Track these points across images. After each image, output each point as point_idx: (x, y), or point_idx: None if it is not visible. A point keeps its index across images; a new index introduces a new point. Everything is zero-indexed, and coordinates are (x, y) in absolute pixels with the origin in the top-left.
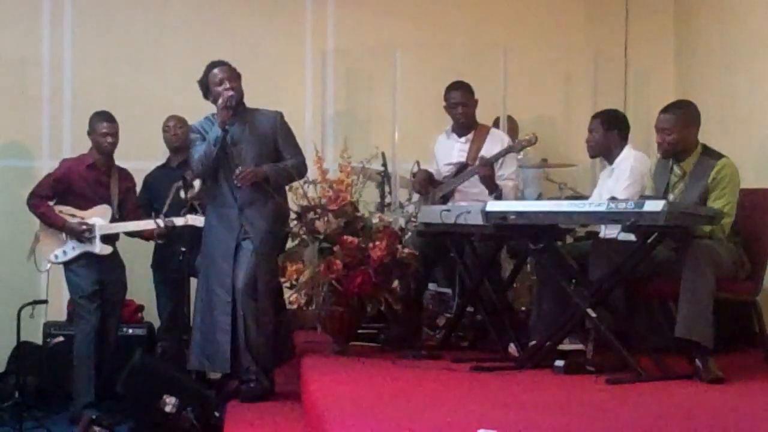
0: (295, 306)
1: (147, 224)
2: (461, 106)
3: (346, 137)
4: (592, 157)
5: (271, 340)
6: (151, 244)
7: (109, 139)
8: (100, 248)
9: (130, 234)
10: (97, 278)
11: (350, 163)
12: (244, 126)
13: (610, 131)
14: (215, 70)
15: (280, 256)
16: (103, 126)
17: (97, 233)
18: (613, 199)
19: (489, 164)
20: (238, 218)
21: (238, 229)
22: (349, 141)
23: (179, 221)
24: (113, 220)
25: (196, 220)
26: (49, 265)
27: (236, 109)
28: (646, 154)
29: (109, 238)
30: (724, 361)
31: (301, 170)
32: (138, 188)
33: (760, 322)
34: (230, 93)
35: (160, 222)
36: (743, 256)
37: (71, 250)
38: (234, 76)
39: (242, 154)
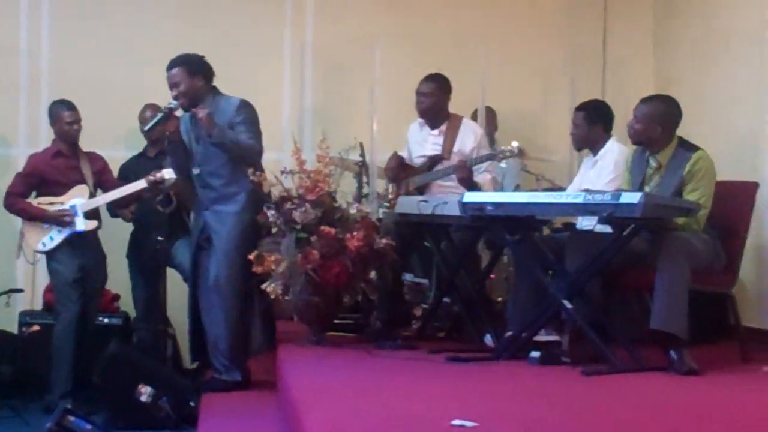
0: (272, 296)
1: (129, 188)
2: (424, 96)
3: (324, 128)
4: (578, 149)
5: (241, 334)
6: (128, 233)
7: (75, 127)
8: (85, 225)
9: (117, 205)
10: (80, 265)
11: (328, 154)
12: (197, 125)
13: (594, 125)
14: (167, 75)
15: (257, 246)
16: (67, 115)
17: (80, 211)
18: (589, 191)
19: (466, 167)
20: (203, 215)
21: (202, 225)
22: (327, 132)
23: (164, 174)
24: (92, 196)
25: (170, 172)
26: (39, 256)
27: (196, 105)
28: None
29: (93, 214)
30: (699, 353)
31: (249, 151)
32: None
33: (736, 314)
34: (166, 109)
35: (143, 183)
36: (719, 248)
37: (57, 234)
38: (182, 78)
39: (202, 151)
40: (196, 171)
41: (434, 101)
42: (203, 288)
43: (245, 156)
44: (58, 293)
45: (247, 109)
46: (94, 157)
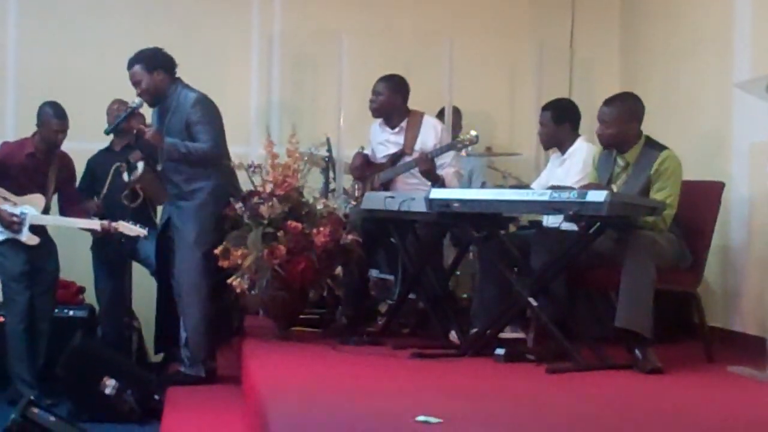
0: (238, 290)
1: (76, 222)
2: (374, 96)
3: (291, 122)
4: (546, 148)
5: (204, 330)
6: None
7: (61, 136)
8: (27, 237)
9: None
10: (26, 259)
11: (298, 149)
12: (164, 118)
13: (561, 124)
14: (129, 74)
15: (220, 242)
16: (55, 123)
17: (27, 222)
18: (555, 188)
19: (428, 159)
20: (168, 209)
21: (166, 219)
22: (294, 126)
23: (120, 226)
24: (46, 210)
25: (126, 228)
26: None
27: (162, 100)
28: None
29: (38, 228)
30: (663, 351)
31: (202, 155)
32: (81, 170)
33: (700, 313)
34: (125, 110)
35: (97, 225)
36: (684, 247)
37: None
38: (142, 76)
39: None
40: (159, 167)
41: (384, 101)
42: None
43: (201, 162)
44: (5, 287)
45: (201, 107)
46: (65, 163)
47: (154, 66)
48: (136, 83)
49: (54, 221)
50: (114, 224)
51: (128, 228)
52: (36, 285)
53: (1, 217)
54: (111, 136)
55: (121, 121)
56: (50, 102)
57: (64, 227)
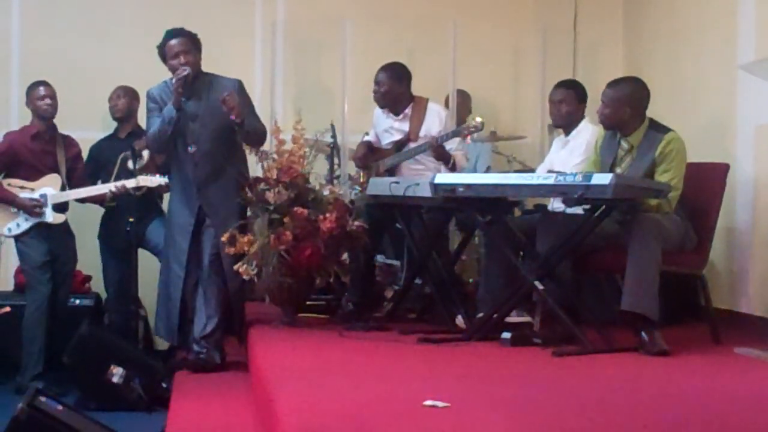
0: (245, 277)
1: (99, 189)
2: (377, 86)
3: (296, 108)
4: (558, 127)
5: (228, 315)
6: (99, 214)
7: (48, 101)
8: (53, 217)
9: (81, 200)
10: (48, 248)
11: (303, 135)
12: (200, 99)
13: (582, 104)
14: (172, 42)
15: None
16: (40, 90)
17: (49, 202)
18: (559, 172)
19: (438, 144)
20: (196, 196)
21: (196, 207)
22: (300, 112)
23: (131, 183)
24: (63, 188)
25: (148, 180)
26: (3, 239)
27: (193, 82)
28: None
29: (61, 207)
30: (669, 334)
31: (263, 137)
32: (84, 158)
33: (706, 295)
34: (184, 72)
35: (112, 187)
36: (690, 229)
37: (24, 222)
38: (190, 48)
39: (199, 129)
40: (191, 149)
41: (386, 90)
42: (200, 269)
43: (258, 141)
44: (27, 276)
45: (245, 92)
46: (70, 143)
47: (199, 47)
48: (183, 52)
49: (75, 194)
50: (121, 183)
51: (149, 180)
52: (56, 275)
53: (23, 206)
54: (115, 124)
55: (181, 84)
56: (34, 81)
57: (73, 216)
